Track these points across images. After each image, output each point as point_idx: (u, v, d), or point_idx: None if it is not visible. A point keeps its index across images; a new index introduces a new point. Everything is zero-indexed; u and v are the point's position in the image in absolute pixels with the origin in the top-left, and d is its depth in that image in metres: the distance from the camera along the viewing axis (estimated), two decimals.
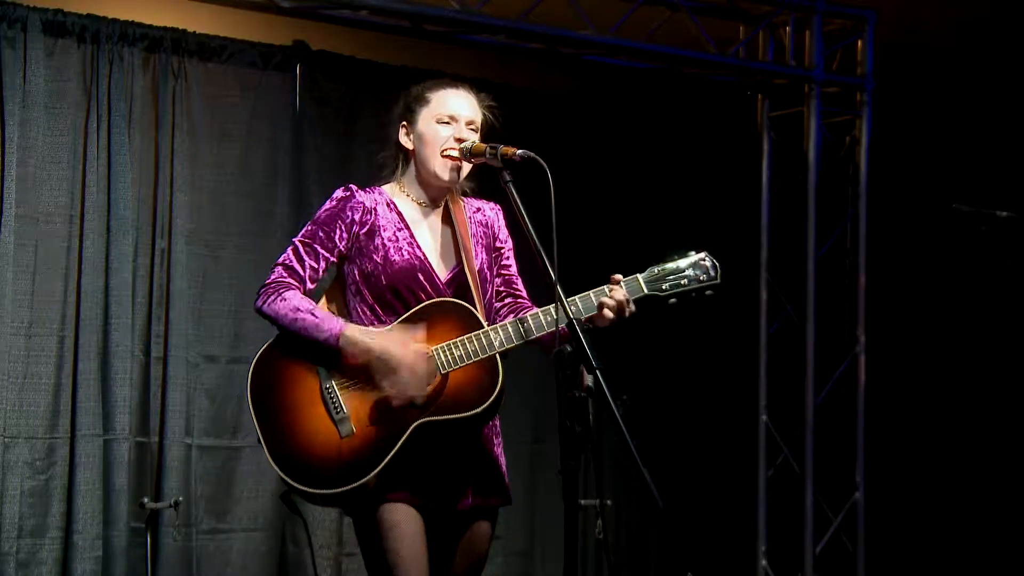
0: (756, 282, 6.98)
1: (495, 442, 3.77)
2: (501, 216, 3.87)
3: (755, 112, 7.07)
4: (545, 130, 6.38)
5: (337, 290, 3.77)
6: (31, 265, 5.60)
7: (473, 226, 3.80)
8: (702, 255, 3.72)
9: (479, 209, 3.85)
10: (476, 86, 3.84)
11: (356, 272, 3.69)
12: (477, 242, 3.79)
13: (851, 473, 6.91)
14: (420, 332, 3.58)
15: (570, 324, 3.37)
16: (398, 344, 3.55)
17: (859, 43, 6.92)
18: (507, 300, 3.84)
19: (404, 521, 3.58)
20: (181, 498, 5.69)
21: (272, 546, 6.06)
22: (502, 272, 3.85)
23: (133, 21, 5.86)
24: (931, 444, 7.78)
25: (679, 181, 7.30)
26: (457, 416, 3.57)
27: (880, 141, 7.02)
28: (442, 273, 3.72)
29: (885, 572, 7.28)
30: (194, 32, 6.00)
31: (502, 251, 3.85)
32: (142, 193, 5.87)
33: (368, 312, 3.67)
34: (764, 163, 7.02)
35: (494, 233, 3.84)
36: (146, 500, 5.66)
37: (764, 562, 6.88)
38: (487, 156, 3.60)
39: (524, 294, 3.87)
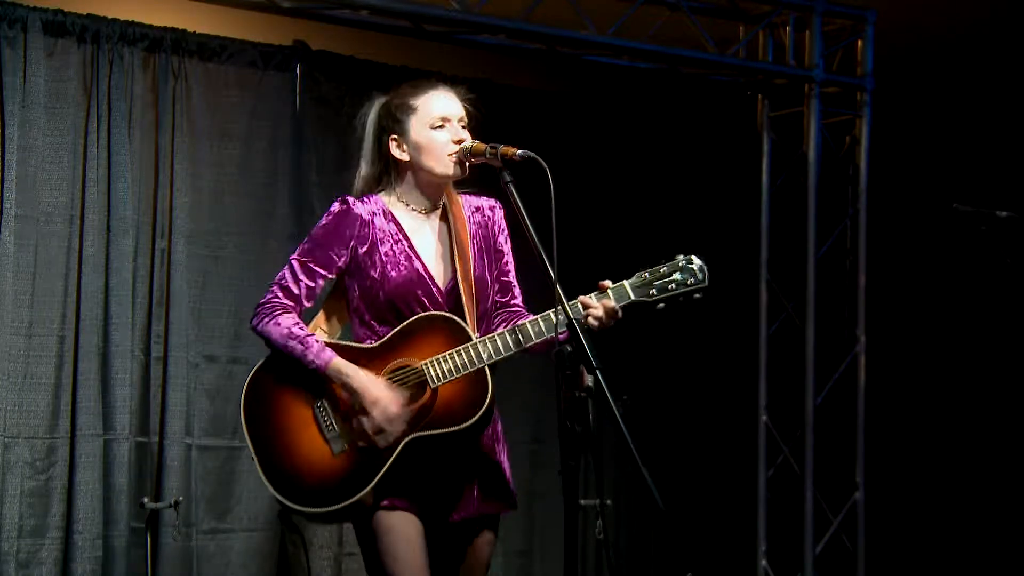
0: (756, 282, 6.98)
1: (498, 449, 3.75)
2: (500, 214, 3.83)
3: (755, 112, 7.07)
4: (545, 130, 6.38)
5: (340, 303, 3.75)
6: (31, 265, 5.60)
7: (472, 227, 3.77)
8: (690, 258, 3.66)
9: (478, 208, 3.81)
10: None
11: (356, 287, 3.69)
12: (476, 245, 3.75)
13: (851, 473, 6.91)
14: (408, 353, 3.61)
15: (570, 324, 3.37)
16: (375, 386, 3.57)
17: (859, 43, 6.91)
18: (501, 311, 3.81)
19: (401, 525, 3.58)
20: (181, 498, 5.69)
21: (272, 546, 6.06)
22: (501, 278, 3.82)
23: (133, 21, 5.85)
24: (931, 444, 7.78)
25: (679, 181, 7.30)
26: (446, 431, 3.57)
27: (880, 141, 7.02)
28: (442, 282, 3.70)
29: (885, 572, 7.28)
30: (194, 32, 5.99)
31: (502, 255, 3.82)
32: (142, 193, 5.86)
33: (366, 329, 3.67)
34: (764, 163, 7.02)
35: (493, 234, 3.80)
36: (146, 500, 5.65)
37: (764, 562, 6.88)
38: (487, 156, 3.59)
39: (519, 302, 3.85)
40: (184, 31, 5.96)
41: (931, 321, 7.86)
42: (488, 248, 3.79)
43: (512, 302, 3.83)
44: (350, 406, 3.59)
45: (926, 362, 7.78)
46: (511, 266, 3.85)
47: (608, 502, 6.69)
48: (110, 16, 5.80)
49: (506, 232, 3.83)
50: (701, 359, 7.31)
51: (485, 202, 3.84)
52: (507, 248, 3.83)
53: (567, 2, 6.17)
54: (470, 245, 3.74)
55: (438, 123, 3.68)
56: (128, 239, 5.79)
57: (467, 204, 3.81)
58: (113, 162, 5.78)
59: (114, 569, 5.66)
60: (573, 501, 3.26)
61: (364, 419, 3.56)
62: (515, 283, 3.85)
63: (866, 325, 6.96)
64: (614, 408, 3.23)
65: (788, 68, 6.83)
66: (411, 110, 3.70)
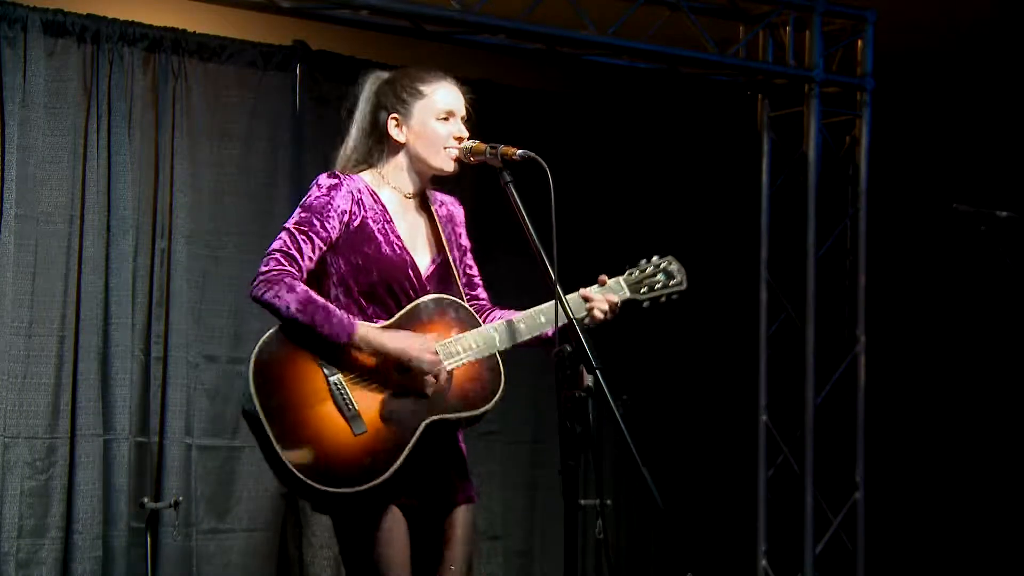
0: (756, 282, 6.98)
1: (459, 436, 3.75)
2: (462, 211, 3.85)
3: (755, 112, 7.07)
4: (545, 130, 6.38)
5: (312, 281, 3.64)
6: (31, 265, 5.60)
7: (441, 221, 3.78)
8: (669, 259, 3.77)
9: (443, 203, 3.82)
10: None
11: (342, 263, 3.63)
12: (447, 237, 3.77)
13: (851, 473, 6.91)
14: (431, 333, 3.59)
15: (571, 324, 3.37)
16: (415, 346, 3.53)
17: (859, 43, 6.92)
18: (471, 303, 3.80)
19: (393, 525, 3.56)
20: (181, 498, 5.69)
21: (272, 546, 6.07)
22: (467, 272, 3.83)
23: (133, 21, 5.86)
24: (931, 444, 7.78)
25: (679, 181, 7.30)
26: (467, 414, 3.58)
27: (880, 141, 7.02)
28: (422, 266, 3.69)
29: (885, 572, 7.28)
30: (194, 32, 5.99)
31: (466, 250, 3.84)
32: (142, 193, 5.86)
33: (353, 305, 3.61)
34: (764, 163, 7.02)
35: (458, 231, 3.82)
36: (146, 500, 5.65)
37: (764, 562, 6.88)
38: (487, 156, 3.59)
39: (485, 296, 3.86)
40: (184, 31, 5.96)
41: (931, 321, 7.86)
42: (454, 242, 3.80)
43: (480, 295, 3.85)
44: (380, 375, 3.53)
45: (926, 362, 7.78)
46: (473, 261, 3.85)
47: (608, 502, 6.69)
48: (110, 16, 5.80)
49: (466, 228, 3.84)
50: (701, 359, 7.31)
51: (447, 197, 3.85)
52: (469, 245, 3.85)
53: (567, 2, 6.17)
54: (443, 233, 3.76)
55: (443, 115, 3.69)
56: (128, 239, 5.79)
57: (433, 196, 3.82)
58: (113, 162, 5.78)
59: (114, 569, 5.66)
60: (573, 501, 3.25)
61: (406, 381, 3.52)
62: (479, 277, 3.86)
63: (866, 325, 6.96)
64: (614, 408, 3.23)
65: (788, 68, 6.83)
66: (419, 95, 3.69)
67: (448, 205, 3.84)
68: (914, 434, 7.81)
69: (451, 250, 3.76)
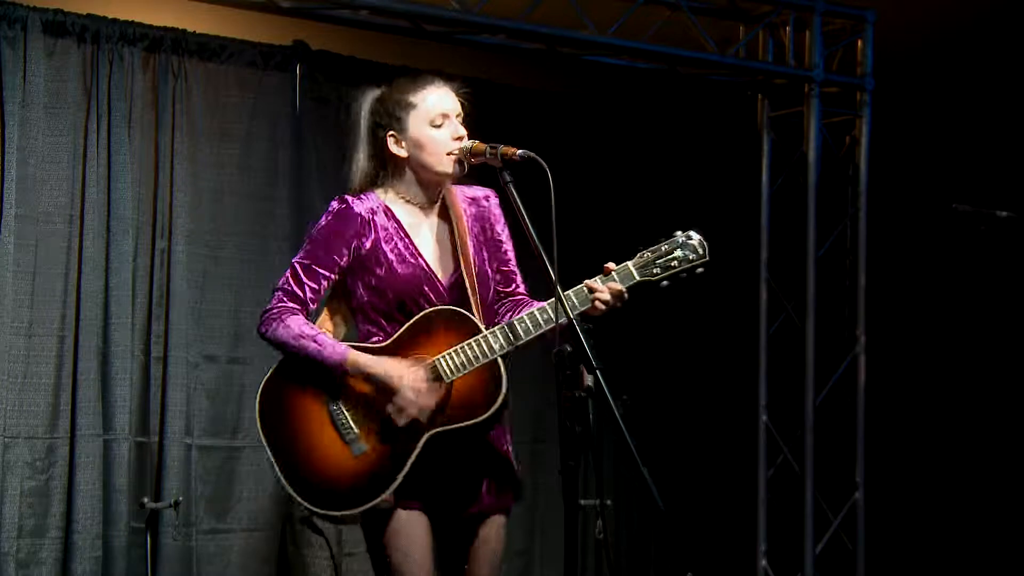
0: (756, 282, 6.98)
1: (505, 439, 3.76)
2: (496, 203, 3.83)
3: (755, 112, 7.07)
4: (545, 130, 6.38)
5: (342, 303, 3.75)
6: (31, 265, 5.60)
7: (469, 221, 3.77)
8: (689, 233, 3.70)
9: (473, 200, 3.81)
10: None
11: (360, 285, 3.68)
12: (474, 237, 3.75)
13: (851, 473, 6.91)
14: (420, 349, 3.60)
15: (570, 325, 3.37)
16: (398, 366, 3.57)
17: (859, 43, 6.92)
18: (506, 301, 3.81)
19: (410, 526, 3.59)
20: (181, 498, 5.69)
21: (272, 546, 6.07)
22: (502, 268, 3.81)
23: (133, 21, 5.86)
24: (931, 444, 7.78)
25: (679, 181, 7.30)
26: (464, 424, 3.59)
27: (880, 141, 7.02)
28: (444, 277, 3.70)
29: (885, 572, 7.28)
30: (194, 32, 6.00)
31: (501, 244, 3.81)
32: (142, 193, 5.87)
33: (373, 326, 3.67)
34: (764, 163, 7.01)
35: (491, 225, 3.80)
36: (146, 500, 5.66)
37: (764, 562, 6.88)
38: (487, 156, 3.59)
39: (523, 289, 3.84)
40: (184, 31, 5.96)
41: (931, 321, 7.85)
42: (486, 240, 3.79)
43: (516, 291, 3.83)
44: (372, 397, 3.58)
45: (926, 362, 7.78)
46: (511, 255, 3.84)
47: (608, 502, 6.69)
48: (110, 16, 5.80)
49: (503, 221, 3.82)
50: (701, 359, 7.31)
51: (480, 192, 3.83)
52: (505, 236, 3.82)
53: (567, 2, 6.17)
54: (469, 237, 3.74)
55: (438, 120, 3.68)
56: (128, 239, 5.79)
57: (462, 196, 3.80)
58: (113, 162, 5.78)
59: (114, 569, 5.66)
60: (573, 501, 3.26)
61: (390, 406, 3.56)
62: (517, 272, 3.84)
63: (866, 325, 6.96)
64: (614, 408, 3.23)
65: (788, 68, 6.82)
66: (410, 106, 3.69)
67: (480, 200, 3.82)
68: (914, 434, 7.81)
69: (479, 251, 3.74)
